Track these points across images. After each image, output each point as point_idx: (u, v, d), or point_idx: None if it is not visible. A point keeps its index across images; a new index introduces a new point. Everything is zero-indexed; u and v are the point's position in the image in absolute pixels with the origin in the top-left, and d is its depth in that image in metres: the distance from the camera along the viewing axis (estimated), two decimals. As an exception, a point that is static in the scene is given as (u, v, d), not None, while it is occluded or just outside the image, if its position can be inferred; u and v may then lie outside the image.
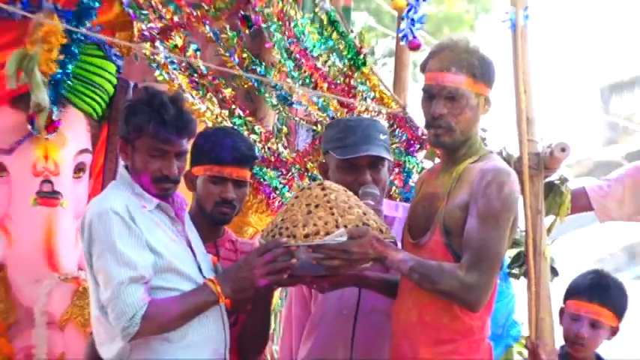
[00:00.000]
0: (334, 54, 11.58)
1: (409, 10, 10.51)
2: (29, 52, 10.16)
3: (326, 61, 11.47)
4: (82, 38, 10.62)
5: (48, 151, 10.33)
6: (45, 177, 10.44)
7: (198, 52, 11.47)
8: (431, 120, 8.84)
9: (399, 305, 8.99)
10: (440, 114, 8.66)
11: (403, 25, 11.19)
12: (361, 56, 11.60)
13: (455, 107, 8.70)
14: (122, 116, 9.26)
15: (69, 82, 10.64)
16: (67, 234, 10.39)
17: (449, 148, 9.02)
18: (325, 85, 11.31)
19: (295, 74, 11.41)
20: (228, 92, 11.52)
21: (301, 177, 11.29)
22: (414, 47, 10.88)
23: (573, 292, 10.23)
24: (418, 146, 10.69)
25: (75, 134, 10.52)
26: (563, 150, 9.53)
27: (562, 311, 10.12)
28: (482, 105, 8.86)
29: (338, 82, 11.42)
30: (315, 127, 11.69)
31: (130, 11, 10.98)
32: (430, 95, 8.76)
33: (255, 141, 11.33)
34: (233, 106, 11.62)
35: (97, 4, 10.73)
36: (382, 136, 9.75)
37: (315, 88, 11.38)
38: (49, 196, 10.48)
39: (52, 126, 10.46)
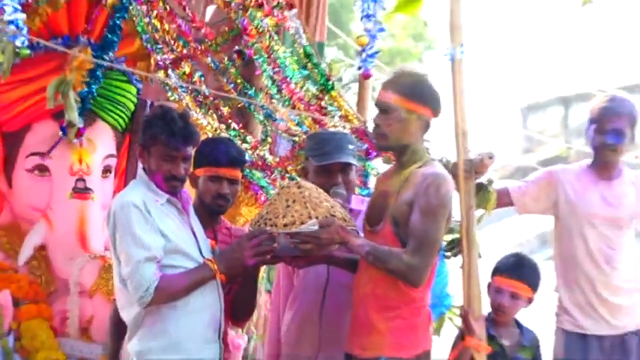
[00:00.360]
0: (309, 80, 11.73)
1: (366, 47, 10.74)
2: (67, 78, 10.30)
3: (302, 86, 11.62)
4: (108, 65, 10.82)
5: (82, 156, 10.64)
6: (79, 176, 10.74)
7: (202, 78, 11.73)
8: (373, 128, 9.25)
9: (357, 280, 9.19)
10: (376, 123, 9.03)
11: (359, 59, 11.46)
12: (330, 82, 11.73)
13: (386, 119, 8.97)
14: (141, 128, 9.56)
15: (98, 100, 10.95)
16: (96, 222, 10.61)
17: (385, 151, 9.89)
18: (302, 105, 11.48)
19: (278, 97, 11.63)
20: (225, 110, 11.84)
21: (282, 178, 11.57)
22: (367, 77, 11.09)
23: (497, 270, 10.41)
24: (375, 154, 10.82)
25: (103, 143, 10.83)
26: (490, 157, 9.84)
27: (489, 285, 10.28)
28: (414, 119, 9.03)
29: (312, 103, 11.56)
30: (293, 139, 11.85)
31: (148, 45, 11.21)
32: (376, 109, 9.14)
33: (246, 148, 11.44)
34: (229, 121, 11.86)
35: (117, 39, 10.99)
36: (351, 147, 9.91)
37: (293, 107, 11.50)
38: (82, 192, 10.76)
39: (78, 132, 10.74)
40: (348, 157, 9.86)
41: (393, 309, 9.07)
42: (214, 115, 11.66)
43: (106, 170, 10.96)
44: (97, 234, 10.60)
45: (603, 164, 10.71)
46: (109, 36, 10.87)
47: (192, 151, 9.44)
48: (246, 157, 10.64)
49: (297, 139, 11.90)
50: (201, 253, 9.29)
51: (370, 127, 10.81)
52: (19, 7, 9.37)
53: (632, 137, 10.88)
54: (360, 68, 10.80)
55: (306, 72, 11.70)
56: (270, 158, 11.64)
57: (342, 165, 9.82)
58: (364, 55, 10.86)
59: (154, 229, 9.02)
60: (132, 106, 11.03)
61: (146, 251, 8.93)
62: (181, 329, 9.17)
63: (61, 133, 10.73)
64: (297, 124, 11.58)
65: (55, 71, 10.54)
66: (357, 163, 9.99)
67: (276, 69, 11.62)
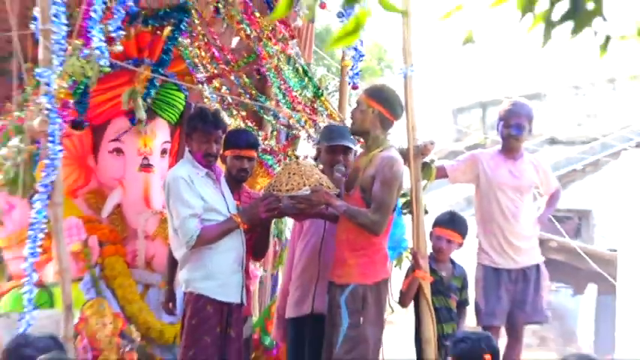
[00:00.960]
0: (306, 89, 11.93)
1: (353, 68, 11.13)
2: (135, 88, 10.61)
3: (301, 94, 11.86)
4: (163, 79, 11.00)
5: (146, 142, 10.92)
6: (144, 156, 10.97)
7: (227, 90, 11.97)
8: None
9: (337, 230, 9.54)
10: (351, 114, 9.74)
11: (350, 74, 11.62)
12: (320, 91, 11.97)
13: (355, 110, 9.57)
14: (186, 122, 10.17)
15: (157, 103, 11.17)
16: (156, 188, 10.81)
17: (354, 134, 10.08)
18: (300, 107, 11.74)
19: (283, 101, 11.85)
20: (244, 113, 12.16)
21: (284, 158, 11.92)
22: (355, 88, 11.46)
23: (437, 223, 10.72)
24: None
25: (161, 132, 11.13)
26: (431, 144, 10.31)
27: (431, 234, 10.52)
28: (371, 112, 9.40)
29: (307, 105, 11.83)
30: (292, 132, 12.26)
31: (190, 67, 11.49)
32: None
33: (259, 138, 11.53)
34: (246, 121, 12.18)
35: (169, 60, 11.26)
36: (350, 136, 10.22)
37: (293, 109, 11.74)
38: (146, 167, 10.94)
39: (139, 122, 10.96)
40: (349, 142, 10.18)
41: (360, 250, 9.43)
42: (237, 116, 12.00)
43: (163, 152, 11.16)
44: (157, 196, 10.76)
45: (509, 149, 11.00)
46: (164, 58, 11.15)
47: (222, 135, 9.85)
48: (259, 143, 11.35)
49: (295, 131, 12.22)
50: (229, 210, 9.63)
51: (347, 122, 11.03)
52: (103, 38, 9.49)
53: (530, 130, 11.24)
54: (350, 83, 11.36)
55: (303, 83, 12.00)
56: (275, 146, 12.07)
57: (343, 147, 10.10)
58: (351, 73, 11.38)
59: (195, 194, 9.43)
60: (181, 107, 11.20)
61: (190, 210, 9.35)
62: (215, 264, 9.53)
63: (130, 125, 10.97)
64: (297, 121, 11.84)
65: (127, 83, 10.83)
66: (355, 148, 10.26)
67: (282, 81, 11.86)
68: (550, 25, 3.91)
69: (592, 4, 3.89)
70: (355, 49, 11.39)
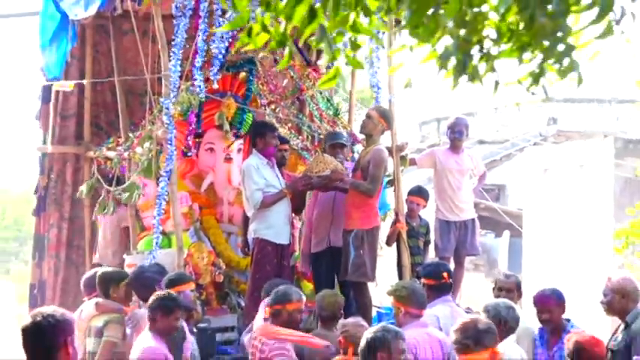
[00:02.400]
0: (329, 110, 11.79)
1: (377, 100, 10.49)
2: (222, 111, 10.55)
3: (327, 112, 11.76)
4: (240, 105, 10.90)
5: (227, 145, 10.76)
6: (227, 153, 10.79)
7: (279, 110, 11.74)
8: (360, 125, 9.85)
9: (346, 196, 9.49)
10: (363, 123, 9.68)
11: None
12: (338, 111, 11.90)
13: (367, 121, 9.49)
14: (255, 130, 10.11)
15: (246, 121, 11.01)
16: (235, 173, 10.52)
17: (363, 135, 9.90)
18: (325, 121, 11.66)
19: (317, 117, 11.76)
20: (289, 124, 11.81)
21: (314, 153, 11.13)
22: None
23: (410, 193, 10.73)
24: (357, 142, 10.96)
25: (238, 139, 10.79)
26: (406, 143, 10.51)
27: (406, 200, 10.43)
28: (377, 124, 9.44)
29: (330, 120, 11.69)
30: (320, 136, 11.64)
31: (257, 96, 11.31)
32: None
33: (299, 142, 11.53)
34: (291, 130, 11.82)
35: (251, 95, 11.08)
36: (345, 137, 10.25)
37: (320, 121, 11.69)
38: (228, 159, 10.75)
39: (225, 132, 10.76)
40: (343, 141, 10.08)
41: (360, 207, 9.42)
42: (284, 127, 11.56)
43: (238, 150, 10.84)
44: (235, 177, 10.45)
45: (454, 147, 10.94)
46: (248, 94, 11.07)
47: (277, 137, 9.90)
48: (299, 142, 11.37)
49: (322, 136, 11.52)
50: (280, 185, 9.55)
51: (355, 131, 11.02)
52: (203, 79, 9.56)
53: (467, 135, 11.20)
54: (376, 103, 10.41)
55: (327, 106, 11.80)
56: (309, 146, 11.60)
57: (340, 144, 9.94)
58: (374, 102, 10.58)
59: (260, 176, 9.38)
60: (250, 122, 10.92)
61: (256, 186, 9.31)
62: (273, 218, 9.47)
63: (219, 132, 10.78)
64: (324, 130, 11.49)
65: (217, 107, 10.64)
66: (348, 145, 10.31)
67: (315, 105, 11.68)
68: (457, 76, 3.87)
69: (484, 64, 3.86)
70: (376, 85, 11.20)
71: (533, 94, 3.89)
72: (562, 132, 22.49)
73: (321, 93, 11.78)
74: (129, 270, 9.65)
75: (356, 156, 10.68)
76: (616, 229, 9.76)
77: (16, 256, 49.64)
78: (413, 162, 11.19)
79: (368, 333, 5.93)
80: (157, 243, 9.54)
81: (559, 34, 3.59)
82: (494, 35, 3.75)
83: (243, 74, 10.79)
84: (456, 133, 10.82)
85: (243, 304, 9.81)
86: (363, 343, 5.86)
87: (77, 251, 11.94)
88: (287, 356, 7.16)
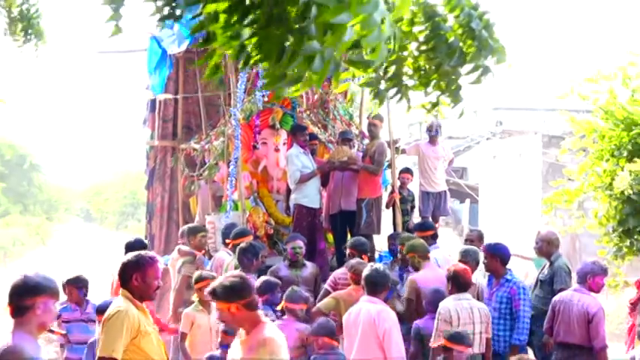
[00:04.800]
0: (346, 116, 11.46)
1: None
2: (274, 115, 10.14)
3: (343, 116, 11.40)
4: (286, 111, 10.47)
5: (277, 139, 10.25)
6: (276, 145, 10.26)
7: (312, 115, 11.20)
8: (368, 129, 9.80)
9: (360, 175, 9.34)
10: (371, 127, 9.58)
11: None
12: (352, 116, 11.59)
13: (375, 127, 9.48)
14: (295, 129, 9.75)
15: (283, 122, 10.34)
16: (281, 158, 10.07)
17: (371, 138, 9.57)
18: (343, 123, 11.24)
19: (338, 120, 11.30)
20: (319, 125, 11.12)
21: (336, 145, 10.31)
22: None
23: (401, 171, 10.40)
24: (364, 138, 10.62)
25: (283, 134, 10.29)
26: (399, 139, 10.28)
27: (399, 177, 10.18)
28: (379, 129, 9.50)
29: (347, 122, 11.30)
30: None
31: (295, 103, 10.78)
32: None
33: (325, 137, 10.89)
34: (321, 129, 11.07)
35: (296, 106, 10.62)
36: (352, 134, 10.09)
37: (340, 123, 11.23)
38: (277, 150, 10.21)
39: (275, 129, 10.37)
40: (350, 137, 9.86)
41: (369, 182, 9.28)
42: (315, 126, 10.92)
43: (284, 143, 10.33)
44: (282, 162, 10.04)
45: (432, 141, 10.75)
46: (294, 105, 10.60)
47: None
48: (325, 139, 10.78)
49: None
50: (312, 166, 9.24)
51: (364, 130, 10.69)
52: (262, 93, 9.57)
53: (440, 132, 10.95)
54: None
55: (345, 113, 11.41)
56: (333, 139, 10.80)
57: (347, 139, 9.72)
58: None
59: (299, 160, 9.16)
60: (291, 123, 10.26)
61: (295, 167, 9.11)
62: (308, 190, 9.27)
63: (271, 131, 10.31)
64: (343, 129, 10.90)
65: (269, 114, 10.27)
66: (353, 139, 10.02)
67: (337, 112, 11.29)
68: (381, 98, 3.95)
69: (412, 81, 3.93)
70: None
71: (435, 115, 4.04)
72: (506, 130, 22.32)
73: (340, 103, 11.48)
74: (209, 226, 9.71)
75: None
76: (543, 198, 9.71)
77: (132, 216, 50.03)
78: (403, 151, 11.09)
79: (367, 269, 6.14)
80: (229, 207, 9.62)
81: (454, 77, 3.73)
82: (410, 72, 3.87)
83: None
84: (433, 131, 10.67)
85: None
86: (364, 274, 6.09)
87: (175, 213, 12.06)
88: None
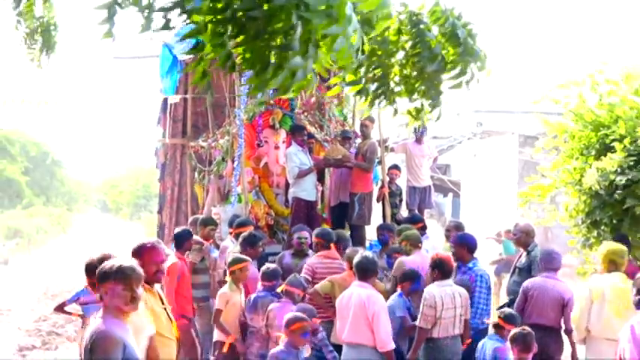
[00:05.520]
0: (340, 116, 11.41)
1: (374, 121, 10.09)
2: (274, 116, 10.12)
3: (338, 117, 11.35)
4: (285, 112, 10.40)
5: (277, 137, 10.16)
6: (276, 144, 10.16)
7: (309, 116, 11.16)
8: (360, 129, 9.72)
9: (353, 172, 9.28)
10: (363, 127, 9.52)
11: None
12: (345, 118, 11.54)
13: (367, 128, 9.41)
14: (293, 129, 9.65)
15: (282, 122, 10.23)
16: (281, 156, 9.98)
17: (363, 138, 9.51)
18: (338, 124, 11.18)
19: (333, 119, 11.25)
20: (316, 125, 11.03)
21: (331, 143, 10.57)
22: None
23: (390, 168, 10.44)
24: (357, 137, 10.53)
25: (283, 133, 10.19)
26: (388, 139, 10.13)
27: (388, 172, 10.24)
28: (370, 129, 9.42)
29: (341, 122, 11.25)
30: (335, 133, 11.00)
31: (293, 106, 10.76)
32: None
33: (321, 136, 10.81)
34: (317, 128, 10.97)
35: (294, 108, 10.53)
36: (351, 134, 9.89)
37: (335, 124, 11.19)
38: (277, 147, 10.12)
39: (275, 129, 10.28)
40: (350, 135, 9.73)
41: (362, 178, 9.24)
42: (312, 126, 10.83)
43: (284, 142, 10.23)
44: (281, 159, 9.95)
45: (418, 140, 10.71)
46: (292, 106, 10.51)
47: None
48: (321, 138, 10.62)
49: (336, 133, 10.87)
50: (309, 163, 9.15)
51: (357, 130, 10.55)
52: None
53: (426, 133, 10.88)
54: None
55: (339, 114, 11.36)
56: (328, 138, 10.80)
57: (347, 137, 9.67)
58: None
59: (297, 157, 9.10)
60: (290, 123, 10.25)
61: (294, 163, 9.03)
62: (305, 184, 9.18)
63: (271, 130, 10.21)
64: (338, 129, 10.97)
65: (270, 115, 10.22)
66: (352, 138, 9.81)
67: (332, 112, 11.21)
68: (372, 103, 3.97)
69: (399, 87, 3.94)
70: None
71: (420, 122, 4.06)
72: (486, 131, 22.29)
73: (335, 106, 11.41)
74: (215, 217, 9.69)
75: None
76: (519, 192, 9.74)
77: (145, 207, 49.99)
78: (392, 150, 11.10)
79: (357, 257, 6.14)
80: (234, 199, 9.60)
81: (435, 82, 3.76)
82: (397, 80, 3.88)
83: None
84: (419, 132, 10.66)
85: (285, 238, 9.78)
86: (354, 261, 6.12)
87: (184, 204, 12.04)
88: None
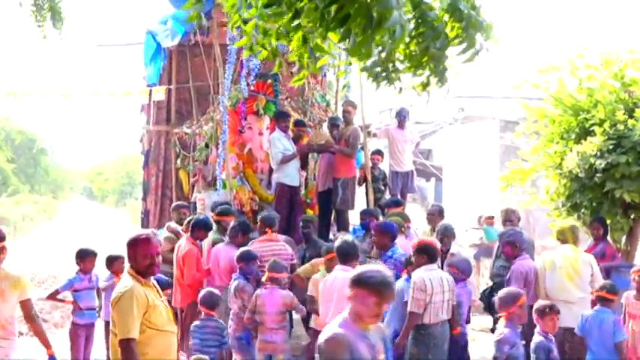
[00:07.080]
0: (323, 102, 11.32)
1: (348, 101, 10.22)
2: (258, 102, 10.07)
3: (320, 103, 11.28)
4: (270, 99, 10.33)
5: (260, 124, 10.16)
6: (260, 130, 10.18)
7: (292, 102, 11.12)
8: (343, 114, 9.55)
9: (336, 157, 9.22)
10: (346, 113, 9.37)
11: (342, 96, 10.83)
12: (328, 104, 11.45)
13: (349, 114, 9.30)
14: (278, 115, 9.51)
15: (266, 108, 10.19)
16: (264, 142, 10.00)
17: (346, 124, 9.34)
18: (321, 110, 11.14)
19: (316, 105, 11.19)
20: (299, 111, 10.94)
21: (315, 129, 10.61)
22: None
23: (373, 153, 10.34)
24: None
25: (266, 120, 10.20)
26: (370, 124, 10.06)
27: (371, 158, 10.11)
28: (352, 115, 9.33)
29: (323, 108, 11.21)
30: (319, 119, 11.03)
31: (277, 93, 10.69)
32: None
33: (305, 121, 10.52)
34: (300, 115, 10.89)
35: (278, 95, 10.45)
36: (340, 120, 9.62)
37: (318, 109, 11.15)
38: (260, 134, 10.14)
39: (259, 116, 10.22)
40: (338, 122, 9.52)
41: (345, 163, 9.17)
42: (295, 112, 10.75)
43: (267, 128, 10.24)
44: (265, 145, 9.88)
45: (400, 125, 10.63)
46: (276, 93, 10.45)
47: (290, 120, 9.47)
48: (305, 124, 10.48)
49: (320, 118, 11.01)
50: (293, 149, 9.10)
51: (340, 116, 10.52)
52: (246, 83, 9.46)
53: (408, 118, 10.83)
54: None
55: (322, 100, 11.28)
56: (311, 124, 10.74)
57: (336, 125, 9.50)
58: (344, 97, 10.59)
59: (280, 143, 9.09)
60: (273, 109, 10.23)
61: (277, 149, 9.06)
62: (288, 169, 9.15)
63: (255, 117, 10.23)
64: (320, 115, 10.97)
65: (254, 101, 10.16)
66: (342, 125, 9.58)
67: (315, 98, 11.15)
68: (378, 81, 3.95)
69: (403, 64, 3.94)
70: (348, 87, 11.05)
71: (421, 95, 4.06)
72: (467, 116, 22.34)
73: (318, 92, 11.34)
74: (199, 203, 9.65)
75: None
76: (500, 176, 9.78)
77: (130, 194, 49.82)
78: (375, 135, 11.05)
79: (337, 242, 6.11)
80: (219, 185, 9.54)
81: (441, 59, 3.74)
82: (401, 57, 3.85)
83: (270, 80, 10.52)
84: (402, 117, 10.64)
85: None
86: (335, 245, 6.11)
87: (168, 190, 11.96)
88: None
